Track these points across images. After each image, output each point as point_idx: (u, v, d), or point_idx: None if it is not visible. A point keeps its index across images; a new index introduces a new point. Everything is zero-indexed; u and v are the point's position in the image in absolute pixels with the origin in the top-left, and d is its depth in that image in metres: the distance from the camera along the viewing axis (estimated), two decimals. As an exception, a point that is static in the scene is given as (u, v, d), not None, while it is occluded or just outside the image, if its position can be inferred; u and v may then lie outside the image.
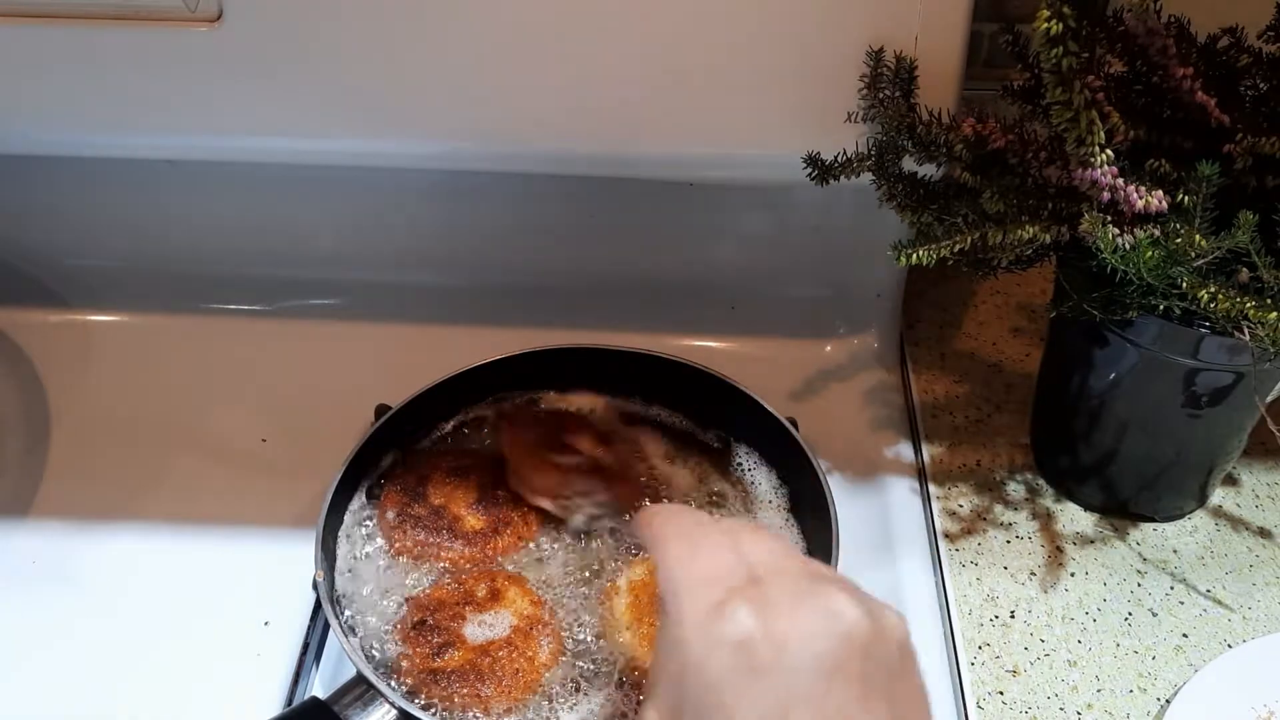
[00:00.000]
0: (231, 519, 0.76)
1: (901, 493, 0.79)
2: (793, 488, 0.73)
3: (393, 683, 0.62)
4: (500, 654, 0.62)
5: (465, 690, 0.60)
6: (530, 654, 0.62)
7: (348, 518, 0.70)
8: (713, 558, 0.44)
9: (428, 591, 0.66)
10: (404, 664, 0.63)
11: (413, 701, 0.60)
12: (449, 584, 0.66)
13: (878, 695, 0.40)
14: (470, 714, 0.60)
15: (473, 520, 0.70)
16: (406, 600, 0.66)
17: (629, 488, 0.71)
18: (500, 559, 0.69)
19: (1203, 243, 0.56)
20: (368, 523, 0.71)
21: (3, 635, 0.70)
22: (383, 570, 0.68)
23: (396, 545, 0.69)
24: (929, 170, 0.67)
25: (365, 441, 0.71)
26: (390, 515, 0.70)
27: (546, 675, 0.62)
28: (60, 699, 0.67)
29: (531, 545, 0.70)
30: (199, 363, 0.89)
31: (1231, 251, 0.57)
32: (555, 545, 0.70)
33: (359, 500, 0.71)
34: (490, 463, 0.73)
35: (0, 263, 0.91)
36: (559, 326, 0.85)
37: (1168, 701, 0.66)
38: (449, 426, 0.77)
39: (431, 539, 0.68)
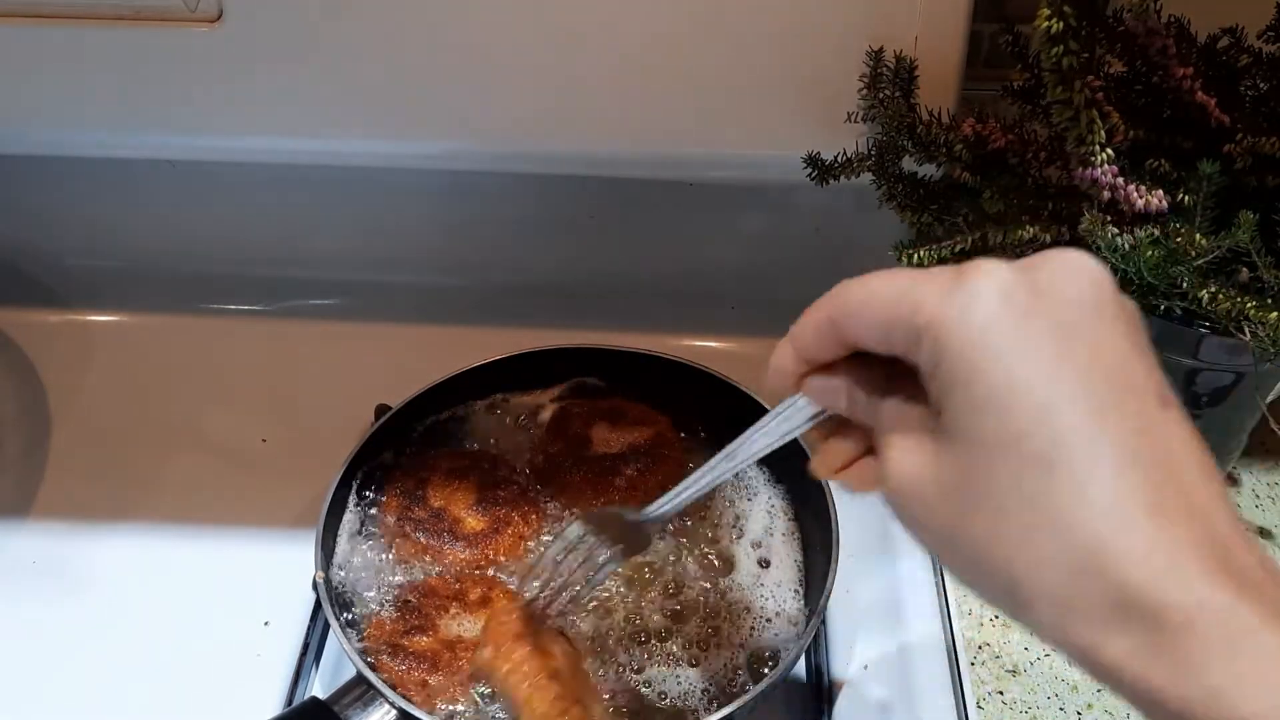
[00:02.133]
0: (231, 519, 0.76)
1: (902, 493, 0.79)
2: (793, 487, 0.73)
3: (353, 639, 0.62)
4: (464, 656, 0.62)
5: (415, 673, 0.61)
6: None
7: (348, 517, 0.70)
8: (909, 271, 0.39)
9: (425, 579, 0.67)
10: (374, 630, 0.63)
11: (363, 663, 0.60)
12: (448, 578, 0.67)
13: (1141, 344, 0.37)
14: (406, 694, 0.60)
15: (473, 522, 0.69)
16: (404, 584, 0.67)
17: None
18: (502, 559, 0.69)
19: (1203, 242, 0.56)
20: (369, 523, 0.71)
21: (3, 635, 0.70)
22: (383, 570, 0.68)
23: (398, 548, 0.69)
24: (929, 170, 0.67)
25: (365, 441, 0.71)
26: (391, 519, 0.70)
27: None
28: (60, 699, 0.67)
29: (531, 544, 0.70)
30: (199, 363, 0.89)
31: (1232, 251, 0.57)
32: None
33: (359, 500, 0.71)
34: (487, 461, 0.73)
35: (0, 263, 0.91)
36: (559, 326, 0.85)
37: (1168, 701, 0.66)
38: (446, 423, 0.77)
39: (432, 542, 0.68)
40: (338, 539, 0.69)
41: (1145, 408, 0.35)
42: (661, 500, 0.54)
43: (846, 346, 0.41)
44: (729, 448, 0.49)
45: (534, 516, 0.71)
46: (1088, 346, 0.36)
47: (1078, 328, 0.36)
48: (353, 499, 0.71)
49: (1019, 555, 0.35)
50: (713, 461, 0.50)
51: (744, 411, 0.75)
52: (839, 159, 0.69)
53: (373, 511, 0.71)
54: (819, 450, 0.45)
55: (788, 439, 0.46)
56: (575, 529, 0.57)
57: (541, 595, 0.57)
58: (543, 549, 0.63)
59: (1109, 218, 0.58)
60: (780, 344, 0.44)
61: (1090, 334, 0.36)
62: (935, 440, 0.38)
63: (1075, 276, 0.37)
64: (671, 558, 0.69)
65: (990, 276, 0.36)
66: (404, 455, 0.74)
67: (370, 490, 0.72)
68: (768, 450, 0.47)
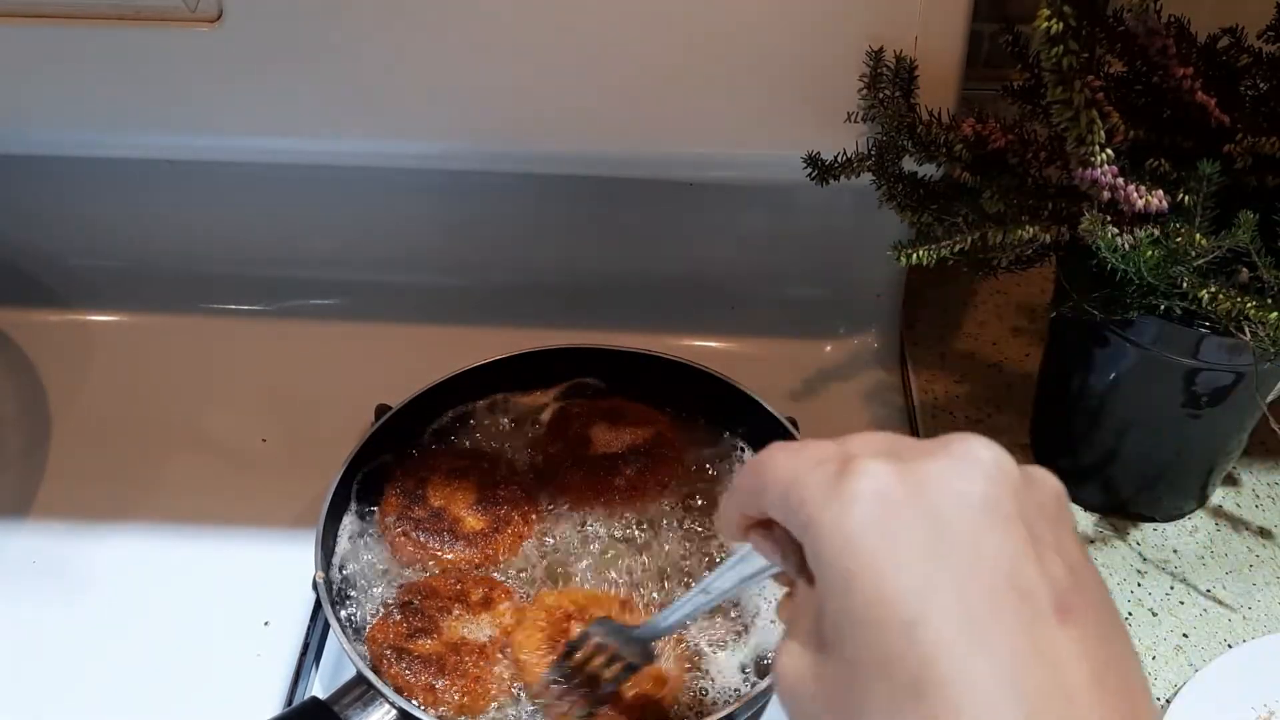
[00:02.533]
0: (231, 519, 0.76)
1: (902, 493, 0.79)
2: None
3: (358, 647, 0.62)
4: (468, 659, 0.62)
5: (421, 677, 0.61)
6: (494, 670, 0.62)
7: (348, 518, 0.70)
8: (820, 446, 0.37)
9: (425, 579, 0.67)
10: (377, 634, 0.63)
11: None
12: (450, 578, 0.67)
13: (1045, 543, 0.34)
14: (413, 700, 0.60)
15: (472, 521, 0.69)
16: (403, 585, 0.66)
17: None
18: (502, 560, 0.69)
19: (1203, 242, 0.56)
20: (368, 524, 0.71)
21: (3, 635, 0.70)
22: (383, 570, 0.68)
23: (398, 549, 0.69)
24: (929, 170, 0.67)
25: (365, 441, 0.71)
26: (390, 520, 0.70)
27: (499, 698, 0.61)
28: (61, 699, 0.67)
29: (531, 543, 0.70)
30: (199, 363, 0.89)
31: (1232, 251, 0.57)
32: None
33: (359, 500, 0.71)
34: (487, 461, 0.73)
35: (0, 263, 0.91)
36: (559, 326, 0.85)
37: (1168, 701, 0.66)
38: (445, 423, 0.77)
39: (432, 542, 0.68)
40: (338, 540, 0.69)
41: (1034, 620, 0.32)
42: (656, 620, 0.57)
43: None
44: (704, 582, 0.50)
45: (533, 516, 0.71)
46: (967, 551, 0.33)
47: (957, 530, 0.33)
48: (353, 499, 0.71)
49: None
50: (690, 594, 0.52)
51: (744, 411, 0.75)
52: (839, 159, 0.69)
53: (373, 510, 0.71)
54: (783, 598, 0.43)
55: (750, 583, 0.46)
56: (596, 634, 0.59)
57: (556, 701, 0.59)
58: (558, 652, 0.61)
59: (1109, 218, 0.58)
60: (727, 493, 0.42)
61: (971, 536, 0.33)
62: (820, 649, 0.35)
63: (965, 470, 0.34)
64: (679, 555, 0.69)
65: (868, 478, 0.34)
66: (404, 455, 0.74)
67: (370, 492, 0.72)
68: (735, 589, 0.48)
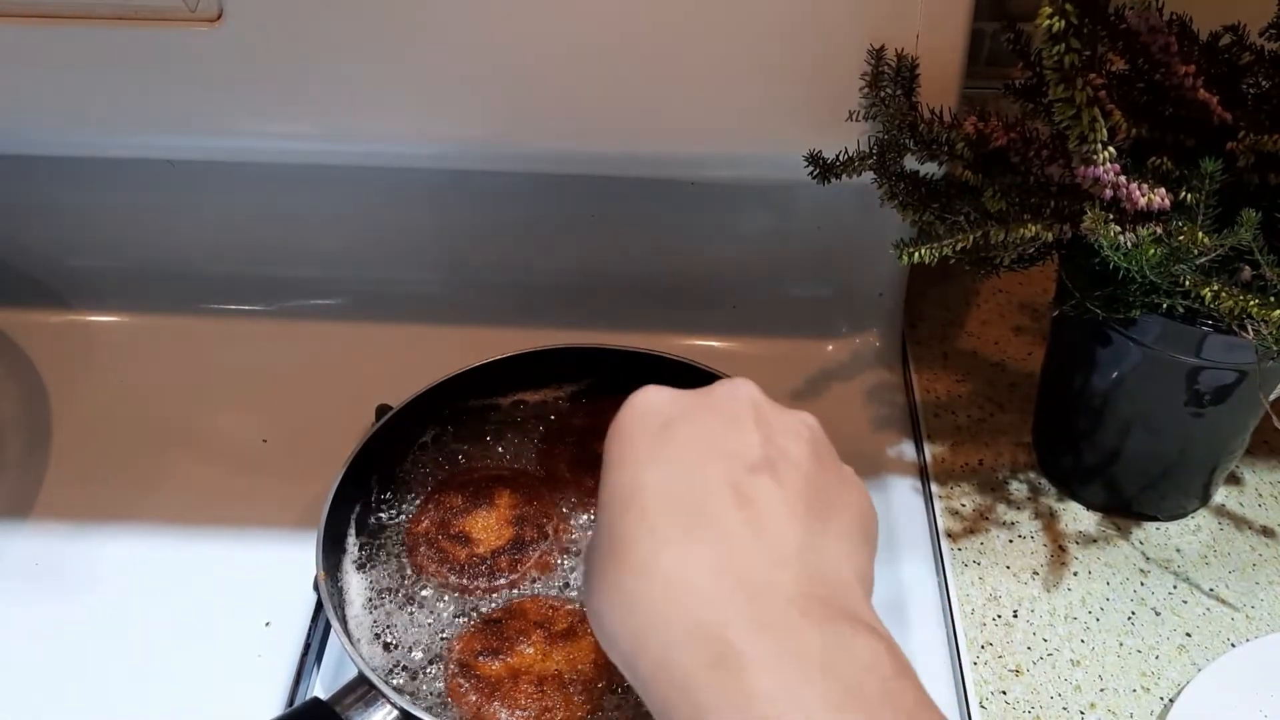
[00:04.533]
0: (232, 519, 0.76)
1: (904, 492, 0.79)
2: (794, 487, 0.73)
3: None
4: (528, 687, 0.61)
5: (474, 697, 0.60)
6: (549, 706, 0.61)
7: (350, 519, 0.70)
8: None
9: (520, 601, 0.66)
10: (455, 644, 0.63)
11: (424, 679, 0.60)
12: (546, 599, 0.66)
13: (771, 434, 0.44)
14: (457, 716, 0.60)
15: (495, 542, 0.69)
16: (506, 604, 0.66)
17: None
18: (532, 578, 0.68)
19: (1205, 240, 0.56)
20: (373, 526, 0.71)
21: (4, 636, 0.70)
22: (384, 572, 0.68)
23: (429, 577, 0.68)
24: (931, 169, 0.67)
25: (366, 441, 0.71)
26: (422, 550, 0.69)
27: None
28: (61, 699, 0.67)
29: (557, 559, 0.69)
30: (199, 363, 0.89)
31: (1234, 249, 0.57)
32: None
33: (361, 501, 0.71)
34: (514, 477, 0.73)
35: (0, 263, 0.91)
36: (559, 326, 0.85)
37: (1171, 701, 0.66)
38: (446, 424, 0.77)
39: (463, 579, 0.67)
40: (341, 539, 0.69)
41: (733, 468, 0.42)
42: None
43: None
44: None
45: (561, 529, 0.71)
46: (692, 431, 0.44)
47: (691, 422, 0.44)
48: (354, 499, 0.71)
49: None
50: None
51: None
52: (840, 157, 0.68)
53: (389, 517, 0.71)
54: None
55: None
56: None
57: None
58: None
59: (1111, 216, 0.58)
60: None
61: (700, 426, 0.44)
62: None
63: (721, 390, 0.47)
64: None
65: (646, 393, 0.46)
66: (411, 466, 0.74)
67: (388, 512, 0.72)
68: None
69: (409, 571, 0.68)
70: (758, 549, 0.39)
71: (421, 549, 0.68)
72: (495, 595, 0.67)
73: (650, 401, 0.45)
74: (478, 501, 0.71)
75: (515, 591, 0.67)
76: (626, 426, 0.44)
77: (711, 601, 0.37)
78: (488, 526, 0.69)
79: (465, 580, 0.67)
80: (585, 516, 0.71)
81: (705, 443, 0.42)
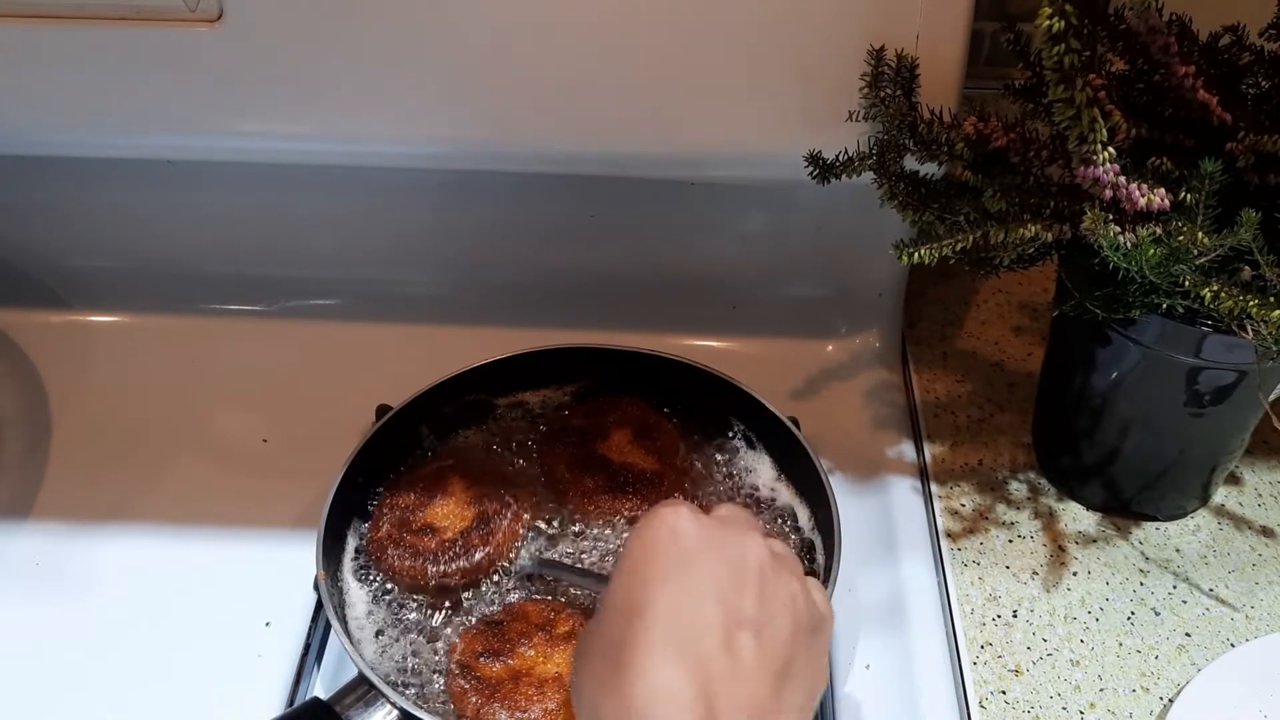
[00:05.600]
0: (233, 519, 0.76)
1: (903, 492, 0.79)
2: (795, 487, 0.73)
3: (426, 651, 0.63)
4: (528, 689, 0.61)
5: (475, 698, 0.60)
6: (549, 708, 0.60)
7: (350, 519, 0.70)
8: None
9: (523, 602, 0.66)
10: (456, 645, 0.63)
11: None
12: (547, 602, 0.66)
13: (767, 601, 0.50)
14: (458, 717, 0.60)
15: (459, 526, 0.69)
16: (507, 606, 0.66)
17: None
18: (497, 563, 0.68)
19: (1205, 240, 0.56)
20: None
21: (4, 636, 0.70)
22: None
23: (395, 574, 0.68)
24: (930, 169, 0.67)
25: (366, 442, 0.71)
26: (390, 553, 0.68)
27: None
28: (62, 699, 0.67)
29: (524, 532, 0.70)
30: (199, 363, 0.89)
31: (1234, 249, 0.56)
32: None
33: (362, 501, 0.71)
34: (466, 462, 0.73)
35: (0, 263, 0.91)
36: (559, 326, 0.85)
37: (1171, 701, 0.66)
38: (445, 423, 0.77)
39: (439, 565, 0.67)
40: (341, 539, 0.69)
41: (725, 620, 0.48)
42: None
43: None
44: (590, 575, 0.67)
45: (524, 515, 0.70)
46: (698, 575, 0.49)
47: (700, 562, 0.50)
48: (355, 500, 0.71)
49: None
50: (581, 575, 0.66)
51: (746, 411, 0.75)
52: (840, 158, 0.68)
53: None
54: None
55: None
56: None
57: None
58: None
59: (1111, 216, 0.58)
60: None
61: (707, 567, 0.50)
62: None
63: (733, 536, 0.52)
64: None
65: (672, 512, 0.52)
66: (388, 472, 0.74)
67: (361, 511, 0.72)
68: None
69: (383, 581, 0.68)
70: (731, 690, 0.46)
71: (389, 552, 0.68)
72: (475, 575, 0.67)
73: (678, 528, 0.51)
74: (431, 494, 0.70)
75: (496, 564, 0.68)
76: (652, 543, 0.50)
77: (687, 717, 0.45)
78: (449, 513, 0.69)
79: (442, 566, 0.67)
80: (578, 518, 0.71)
81: (713, 585, 0.49)
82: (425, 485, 0.71)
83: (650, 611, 0.47)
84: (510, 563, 0.69)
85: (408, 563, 0.67)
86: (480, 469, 0.72)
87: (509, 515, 0.69)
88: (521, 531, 0.70)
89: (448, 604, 0.67)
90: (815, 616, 0.52)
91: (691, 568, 0.49)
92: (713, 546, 0.51)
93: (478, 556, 0.67)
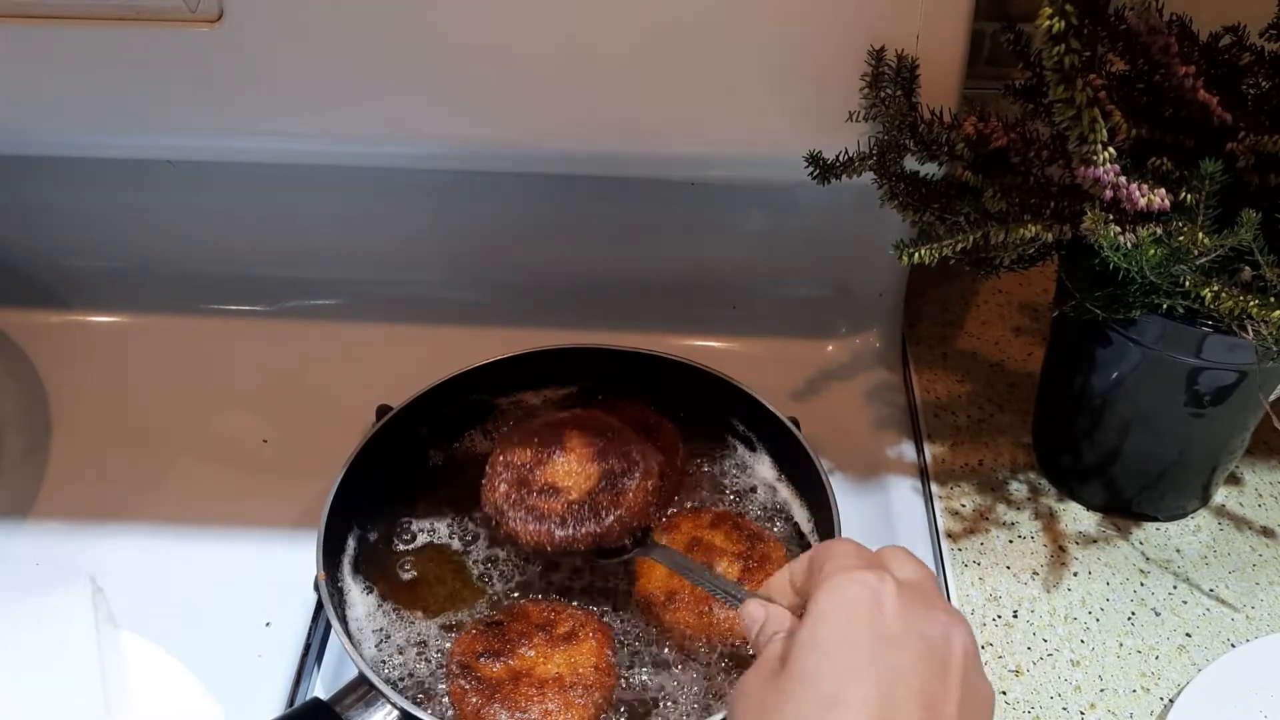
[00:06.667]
0: (233, 520, 0.76)
1: (904, 492, 0.79)
2: (795, 488, 0.73)
3: (427, 654, 0.63)
4: (528, 690, 0.61)
5: (475, 698, 0.60)
6: (549, 709, 0.60)
7: (350, 519, 0.70)
8: (863, 549, 0.49)
9: (519, 603, 0.66)
10: (456, 646, 0.63)
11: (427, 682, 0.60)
12: (547, 603, 0.66)
13: (965, 700, 0.44)
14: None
15: (584, 485, 0.65)
16: (508, 606, 0.66)
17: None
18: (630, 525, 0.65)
19: (1205, 241, 0.56)
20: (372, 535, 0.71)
21: (4, 636, 0.70)
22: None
23: (514, 538, 0.64)
24: (931, 169, 0.67)
25: (366, 442, 0.71)
26: (510, 515, 0.65)
27: None
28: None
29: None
30: (199, 363, 0.89)
31: (1234, 250, 0.56)
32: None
33: (364, 505, 0.71)
34: (582, 416, 0.69)
35: (0, 263, 0.91)
36: (560, 326, 0.85)
37: (1171, 701, 0.66)
38: (445, 423, 0.77)
39: (567, 530, 0.63)
40: (342, 539, 0.69)
41: None
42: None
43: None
44: (725, 584, 0.60)
45: (645, 451, 0.67)
46: (902, 669, 0.43)
47: (905, 651, 0.44)
48: (355, 501, 0.71)
49: None
50: (711, 578, 0.60)
51: (746, 411, 0.75)
52: (840, 158, 0.68)
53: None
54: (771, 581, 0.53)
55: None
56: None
57: None
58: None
59: (1111, 216, 0.58)
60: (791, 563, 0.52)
61: (911, 661, 0.43)
62: (779, 665, 0.46)
63: (940, 622, 0.45)
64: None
65: (875, 577, 0.45)
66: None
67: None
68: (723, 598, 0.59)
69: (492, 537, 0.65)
70: None
71: (509, 515, 0.64)
72: (604, 541, 0.63)
73: (882, 600, 0.45)
74: (549, 449, 0.66)
75: (628, 530, 0.64)
76: (853, 616, 0.44)
77: None
78: (570, 471, 0.66)
79: (570, 530, 0.63)
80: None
81: (916, 682, 0.43)
82: (541, 440, 0.67)
83: (849, 703, 0.42)
84: (640, 530, 0.65)
85: (531, 526, 0.63)
86: (598, 423, 0.68)
87: (638, 474, 0.65)
88: (651, 495, 0.65)
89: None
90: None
91: (894, 654, 0.43)
92: (915, 627, 0.44)
93: (608, 520, 0.63)
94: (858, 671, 0.43)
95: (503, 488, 0.65)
